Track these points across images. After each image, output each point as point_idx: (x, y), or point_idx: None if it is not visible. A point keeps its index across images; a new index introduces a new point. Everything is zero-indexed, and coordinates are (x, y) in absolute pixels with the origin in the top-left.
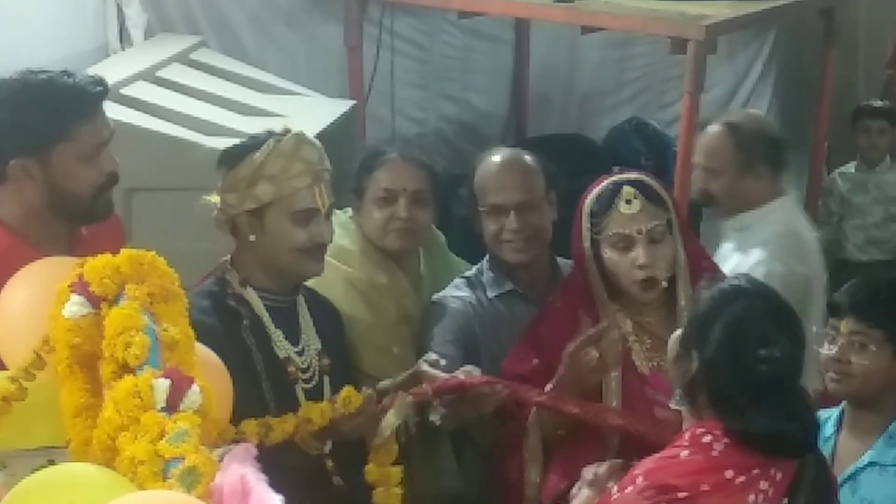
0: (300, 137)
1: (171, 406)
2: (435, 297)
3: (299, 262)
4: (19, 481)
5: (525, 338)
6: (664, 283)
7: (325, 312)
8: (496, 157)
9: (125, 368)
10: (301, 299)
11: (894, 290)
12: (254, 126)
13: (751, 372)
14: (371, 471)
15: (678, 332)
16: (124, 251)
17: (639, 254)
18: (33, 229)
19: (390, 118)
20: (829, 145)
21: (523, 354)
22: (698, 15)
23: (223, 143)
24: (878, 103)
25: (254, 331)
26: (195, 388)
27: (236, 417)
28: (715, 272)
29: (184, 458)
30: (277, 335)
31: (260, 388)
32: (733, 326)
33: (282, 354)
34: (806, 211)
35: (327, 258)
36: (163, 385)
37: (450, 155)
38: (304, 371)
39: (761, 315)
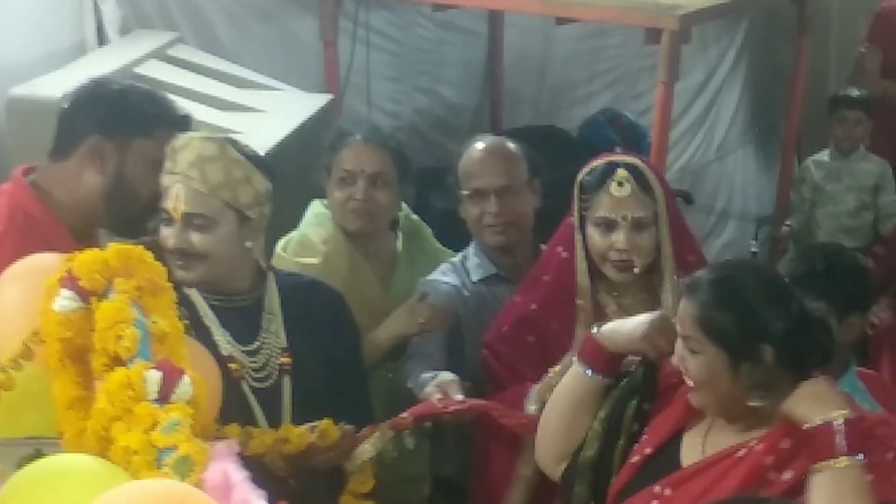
0: (191, 140)
1: (163, 397)
2: (421, 280)
3: (169, 264)
4: (5, 470)
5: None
6: (636, 270)
7: (314, 306)
8: (480, 144)
9: (117, 361)
10: (271, 296)
11: (830, 264)
12: (233, 121)
13: (812, 319)
14: (347, 501)
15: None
16: (112, 245)
17: (619, 238)
18: (77, 218)
19: (366, 112)
20: (801, 133)
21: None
22: (672, 5)
23: None
24: (855, 93)
25: (196, 330)
26: (186, 379)
27: None
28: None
29: (177, 448)
30: (220, 334)
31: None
32: (774, 289)
33: (225, 353)
34: (777, 199)
35: (283, 255)
36: (155, 377)
37: (423, 148)
38: (258, 370)
39: (770, 272)
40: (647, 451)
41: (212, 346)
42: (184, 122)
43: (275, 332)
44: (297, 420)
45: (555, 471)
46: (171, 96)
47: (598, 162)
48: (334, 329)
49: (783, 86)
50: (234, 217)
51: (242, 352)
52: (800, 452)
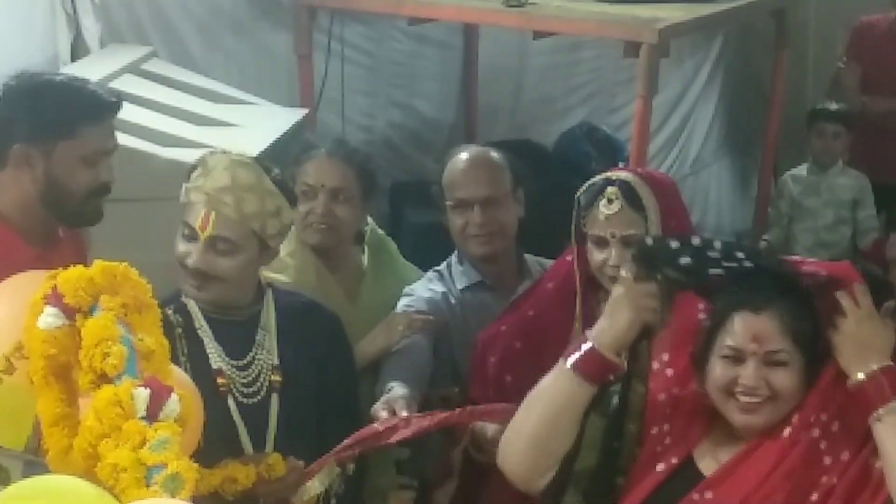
0: (226, 161)
1: (151, 415)
2: (407, 289)
3: (182, 279)
4: None
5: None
6: None
7: (309, 326)
8: (464, 154)
9: (103, 378)
10: (267, 312)
11: None
12: (208, 136)
13: None
14: None
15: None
16: (97, 263)
17: (610, 255)
18: (26, 222)
19: (340, 126)
20: (778, 147)
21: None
22: (651, 18)
23: (178, 153)
24: (833, 106)
25: (188, 341)
26: (174, 397)
27: None
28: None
29: (166, 465)
30: (212, 347)
31: None
32: None
33: (215, 366)
34: (755, 213)
35: (265, 272)
36: (143, 394)
37: (398, 163)
38: (248, 385)
39: None
40: (674, 460)
41: (202, 358)
42: (110, 108)
43: (268, 349)
44: (281, 439)
45: (535, 482)
46: (147, 111)
47: (596, 178)
48: (328, 351)
49: (759, 99)
50: (256, 245)
51: (233, 366)
52: (848, 423)
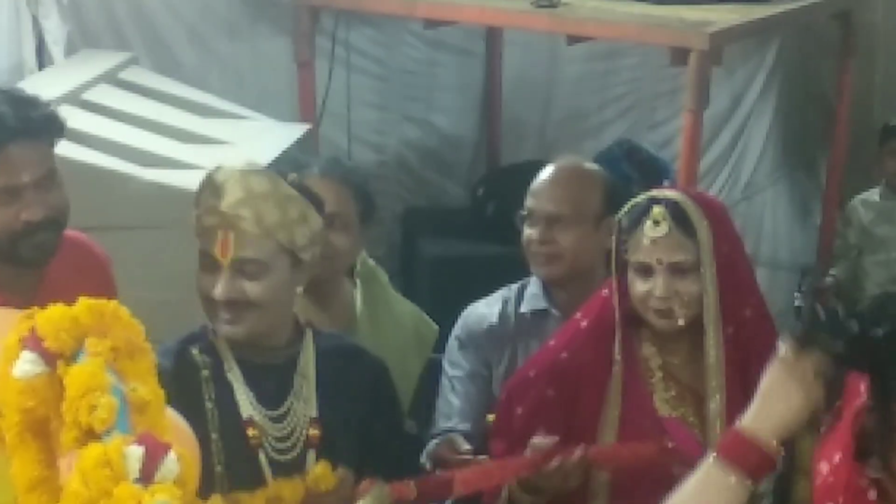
0: (234, 173)
1: (146, 476)
2: (469, 310)
3: (209, 315)
4: None
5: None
6: (680, 321)
7: (353, 372)
8: (558, 163)
9: (90, 435)
10: (306, 356)
11: None
12: (197, 155)
13: None
14: None
15: None
16: (83, 300)
17: (657, 284)
18: None
19: (346, 144)
20: (844, 169)
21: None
22: (700, 21)
23: (162, 175)
24: None
25: (216, 385)
26: (172, 455)
27: None
28: (762, 327)
29: None
30: (243, 393)
31: (207, 449)
32: None
33: (245, 415)
34: (819, 244)
35: None
36: (136, 453)
37: (412, 186)
38: (282, 440)
39: None
40: None
41: (231, 406)
42: (20, 132)
43: (305, 399)
44: None
45: None
46: (126, 126)
47: (640, 197)
48: (374, 403)
49: (820, 114)
50: (287, 261)
51: (266, 417)
52: None
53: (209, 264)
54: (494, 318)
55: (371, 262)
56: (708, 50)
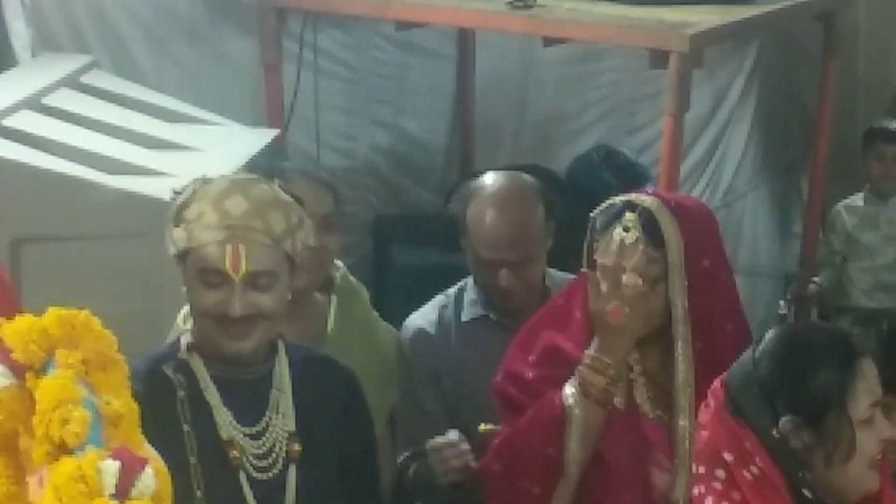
0: (233, 184)
1: (122, 492)
2: (406, 322)
3: (213, 333)
4: None
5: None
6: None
7: (326, 383)
8: (490, 197)
9: (62, 449)
10: (281, 370)
11: None
12: (162, 161)
13: None
14: None
15: None
16: (52, 311)
17: (615, 262)
18: None
19: (314, 149)
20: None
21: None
22: (680, 23)
23: (127, 182)
24: (894, 125)
25: (192, 405)
26: (149, 470)
27: None
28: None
29: None
30: (221, 413)
31: (186, 474)
32: None
33: (224, 436)
34: (803, 250)
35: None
36: (112, 468)
37: (382, 193)
38: (261, 458)
39: None
40: None
41: (209, 427)
42: None
43: (283, 413)
44: None
45: None
46: (89, 131)
47: (618, 198)
48: (350, 415)
49: (801, 118)
50: (287, 268)
51: (245, 435)
52: None
53: (215, 281)
54: (432, 329)
55: (352, 278)
56: (688, 52)
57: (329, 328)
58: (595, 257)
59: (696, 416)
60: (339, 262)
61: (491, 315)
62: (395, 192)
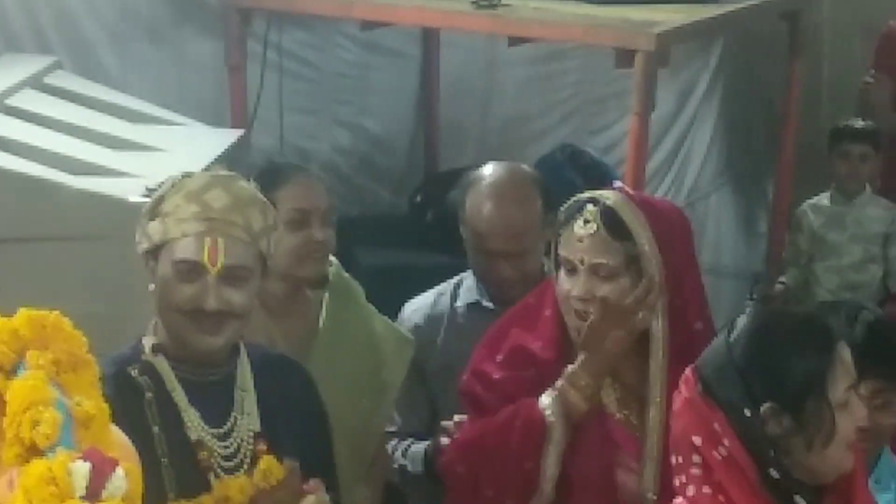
0: (216, 179)
1: (93, 494)
2: (403, 308)
3: (183, 329)
4: None
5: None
6: None
7: (286, 383)
8: (491, 188)
9: (33, 451)
10: (243, 370)
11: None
12: (126, 162)
13: None
14: None
15: None
16: (23, 311)
17: (576, 284)
18: None
19: (278, 149)
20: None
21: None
22: (646, 21)
23: (91, 182)
24: (860, 124)
25: (160, 407)
26: (119, 472)
27: None
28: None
29: None
30: (190, 414)
31: (158, 476)
32: None
33: (193, 437)
34: (768, 250)
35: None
36: (82, 469)
37: (346, 194)
38: (229, 458)
39: None
40: None
41: (178, 428)
42: None
43: (248, 413)
44: None
45: None
46: (54, 132)
47: (584, 194)
48: (309, 413)
49: (766, 117)
50: (260, 269)
51: (212, 436)
52: None
53: (190, 273)
54: (426, 311)
55: (346, 275)
56: (654, 51)
57: (321, 325)
58: (558, 251)
59: (667, 410)
60: (332, 259)
61: (484, 302)
62: (358, 193)
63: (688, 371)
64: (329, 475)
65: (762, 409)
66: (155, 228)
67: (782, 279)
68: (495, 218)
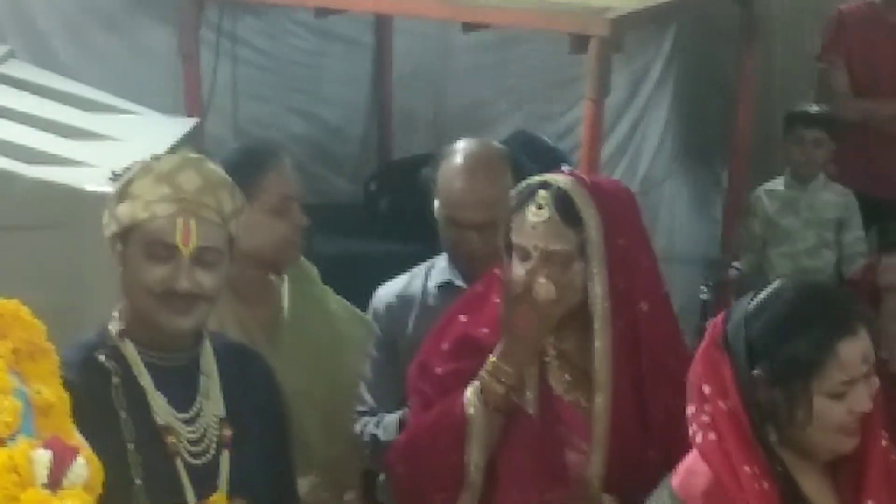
0: (187, 161)
1: (55, 482)
2: (378, 290)
3: (153, 310)
4: None
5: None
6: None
7: (247, 371)
8: (462, 160)
9: None
10: (206, 355)
11: None
12: (81, 151)
13: None
14: None
15: None
16: None
17: (529, 270)
18: None
19: (232, 138)
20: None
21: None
22: (601, 7)
23: (46, 172)
24: (814, 109)
25: (127, 392)
26: (80, 460)
27: None
28: (658, 322)
29: None
30: (157, 398)
31: (124, 461)
32: None
33: (160, 422)
34: (723, 236)
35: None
36: (44, 457)
37: (301, 181)
38: (195, 443)
39: None
40: None
41: (145, 413)
42: None
43: (213, 399)
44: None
45: None
46: (8, 122)
47: (534, 179)
48: (270, 401)
49: (720, 102)
50: (229, 251)
51: (179, 420)
52: None
53: (162, 255)
54: (398, 292)
55: (301, 258)
56: (609, 36)
57: (285, 309)
58: (510, 237)
59: (613, 394)
60: None
61: (456, 282)
62: (311, 181)
63: (718, 318)
64: (287, 469)
65: (755, 373)
66: (124, 211)
67: (737, 265)
68: (467, 188)
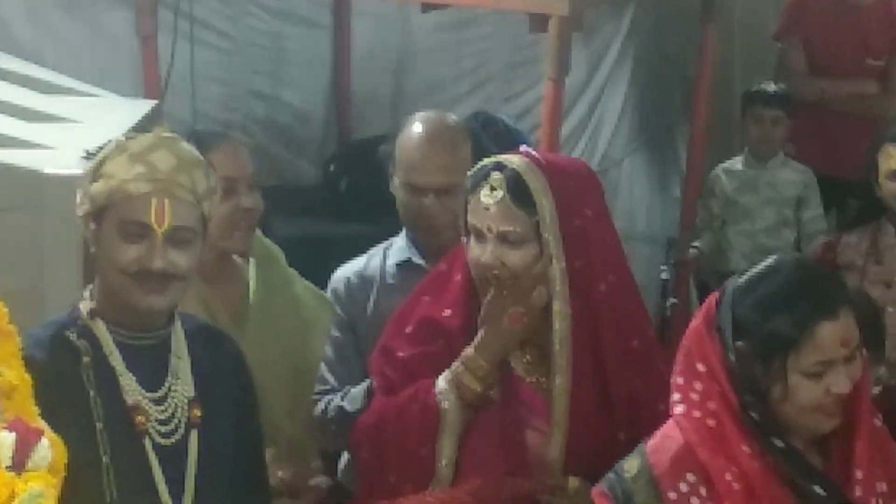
0: (160, 140)
1: (19, 464)
2: (336, 271)
3: (127, 290)
4: None
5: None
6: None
7: (217, 353)
8: (421, 126)
9: None
10: (177, 336)
11: None
12: (40, 134)
13: None
14: None
15: None
16: None
17: (485, 251)
18: None
19: (191, 120)
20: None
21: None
22: None
23: (5, 154)
24: (772, 88)
25: (97, 371)
26: (45, 442)
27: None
28: (617, 302)
29: None
30: (127, 377)
31: (93, 440)
32: None
33: (130, 401)
34: (682, 215)
35: None
36: (8, 440)
37: (263, 164)
38: (164, 423)
39: None
40: None
41: (114, 392)
42: None
43: (183, 379)
44: (202, 485)
45: None
46: None
47: (489, 160)
48: (239, 383)
49: (678, 82)
50: (202, 230)
51: (148, 400)
52: None
53: (136, 234)
54: (358, 271)
55: (266, 240)
56: (568, 15)
57: (251, 291)
58: (467, 217)
59: (573, 375)
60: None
61: (415, 259)
62: (272, 163)
63: (716, 293)
64: (256, 450)
65: (737, 344)
66: (98, 190)
67: (696, 244)
68: (426, 152)
